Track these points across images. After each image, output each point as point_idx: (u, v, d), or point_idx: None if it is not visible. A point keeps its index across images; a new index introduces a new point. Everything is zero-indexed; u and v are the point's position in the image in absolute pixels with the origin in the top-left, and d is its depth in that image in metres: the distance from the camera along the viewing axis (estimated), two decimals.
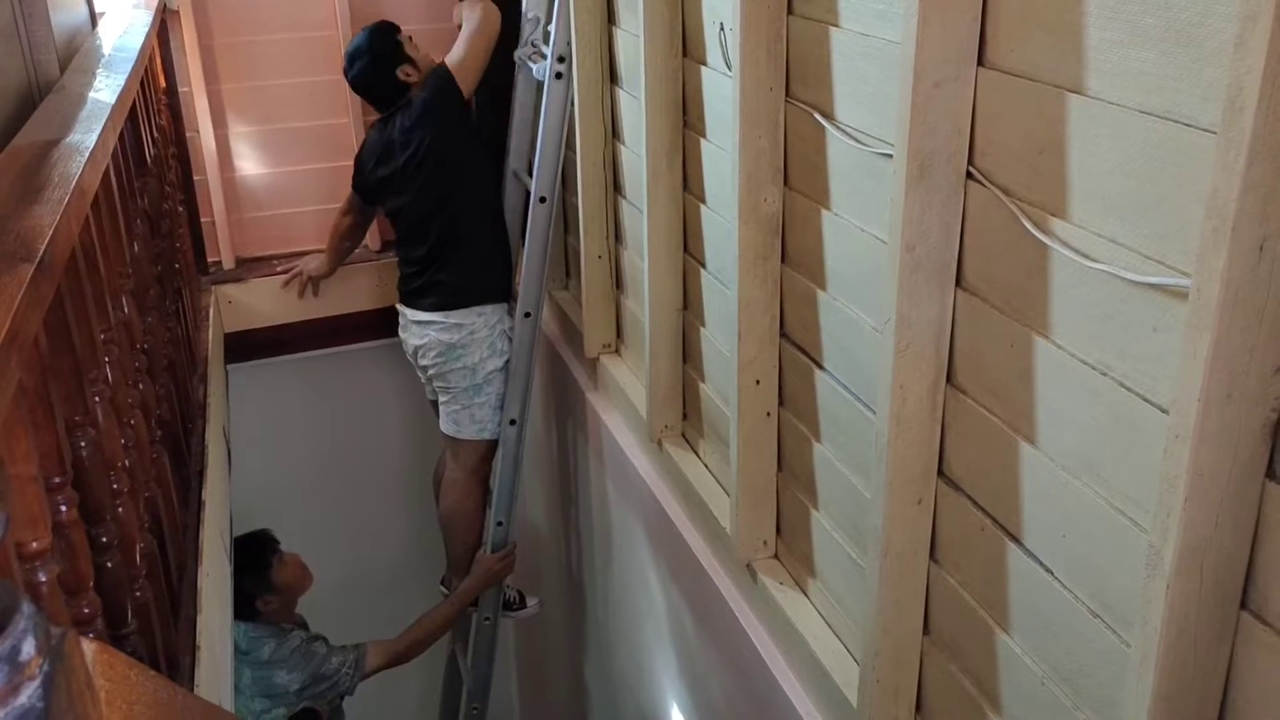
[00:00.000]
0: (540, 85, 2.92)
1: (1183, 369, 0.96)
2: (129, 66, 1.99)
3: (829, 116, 1.69)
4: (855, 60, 1.60)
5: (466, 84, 2.78)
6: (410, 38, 2.97)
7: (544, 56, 2.90)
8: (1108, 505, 1.19)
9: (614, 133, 2.77)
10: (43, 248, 1.02)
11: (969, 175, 1.36)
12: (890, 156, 1.51)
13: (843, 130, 1.66)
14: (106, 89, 1.78)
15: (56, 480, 1.18)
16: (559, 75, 2.79)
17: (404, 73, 2.88)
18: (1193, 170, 1.02)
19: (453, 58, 2.76)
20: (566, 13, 2.69)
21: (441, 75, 2.77)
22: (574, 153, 2.83)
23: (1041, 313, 1.27)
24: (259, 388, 3.64)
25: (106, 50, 2.18)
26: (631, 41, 2.52)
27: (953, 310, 1.43)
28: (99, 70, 1.96)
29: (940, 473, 1.51)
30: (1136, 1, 1.07)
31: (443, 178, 2.84)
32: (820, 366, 1.84)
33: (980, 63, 1.31)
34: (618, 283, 2.91)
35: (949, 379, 1.47)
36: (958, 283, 1.41)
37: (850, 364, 1.74)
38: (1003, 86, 1.28)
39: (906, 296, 1.40)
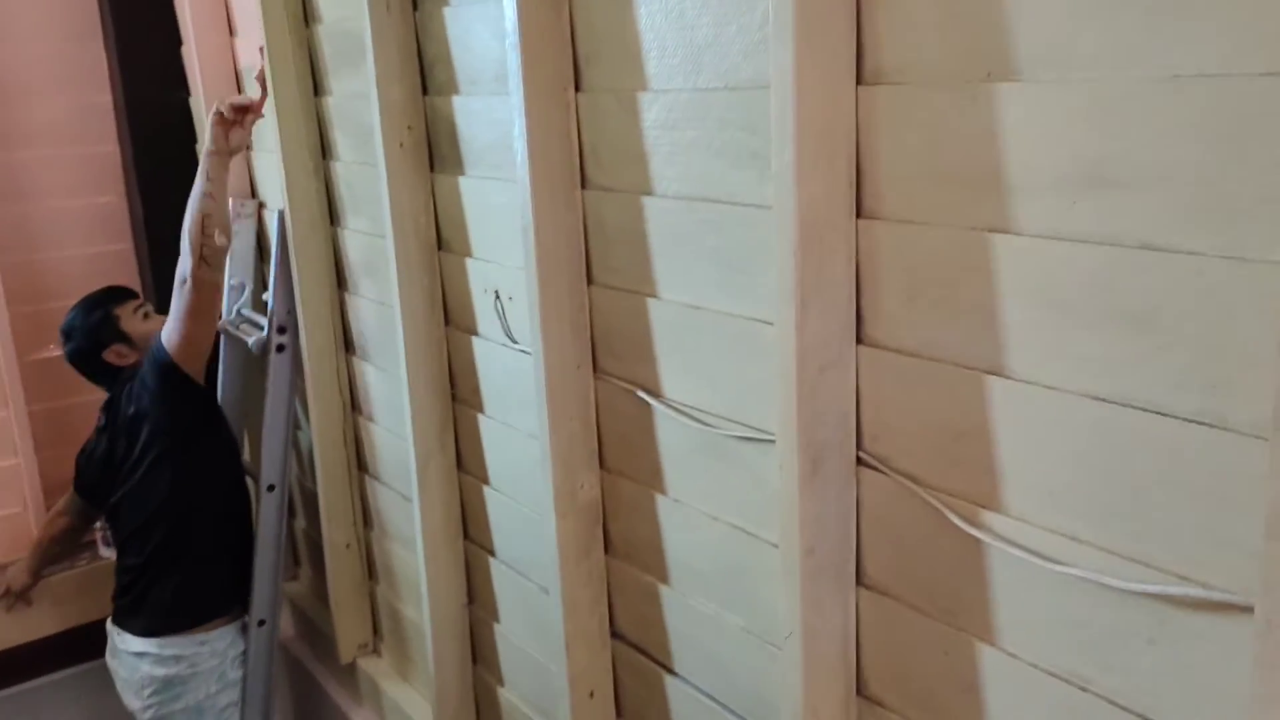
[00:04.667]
0: (254, 357, 2.58)
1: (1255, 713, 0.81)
2: None
3: (654, 393, 1.52)
4: (684, 333, 1.45)
5: (192, 367, 2.28)
6: (141, 305, 2.46)
7: (258, 327, 2.57)
8: None
9: (354, 406, 2.46)
10: None
11: (859, 461, 1.21)
12: (745, 439, 1.35)
13: (673, 408, 1.48)
14: None
15: None
16: (280, 348, 2.48)
17: (115, 353, 2.39)
18: (1173, 464, 0.91)
19: (169, 340, 2.24)
20: (287, 280, 2.41)
21: (162, 361, 2.26)
22: (300, 430, 2.49)
23: (982, 616, 1.11)
24: None
25: None
26: (372, 309, 2.27)
27: (855, 613, 1.25)
28: None
29: None
30: (1064, 286, 0.97)
31: (171, 471, 2.32)
32: (670, 672, 1.59)
33: (859, 340, 1.18)
34: (370, 572, 2.55)
35: (858, 690, 1.27)
36: (858, 581, 1.24)
37: (711, 668, 1.51)
38: (891, 365, 1.16)
39: (811, 606, 1.21)
